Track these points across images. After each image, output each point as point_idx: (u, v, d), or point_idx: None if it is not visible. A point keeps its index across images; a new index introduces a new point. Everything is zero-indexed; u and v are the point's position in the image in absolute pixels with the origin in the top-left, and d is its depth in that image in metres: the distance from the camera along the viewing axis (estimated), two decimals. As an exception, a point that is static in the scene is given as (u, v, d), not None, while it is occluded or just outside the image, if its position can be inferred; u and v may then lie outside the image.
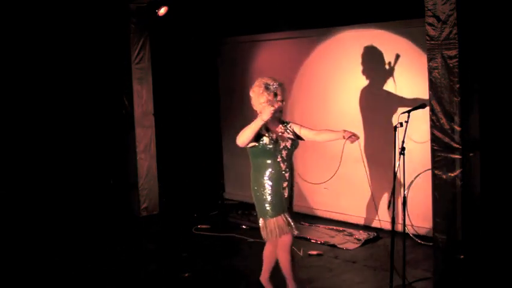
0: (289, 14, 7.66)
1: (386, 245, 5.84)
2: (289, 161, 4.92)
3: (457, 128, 4.77)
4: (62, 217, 7.81)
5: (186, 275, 5.82)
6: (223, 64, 8.91)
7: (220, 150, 9.08)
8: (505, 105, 5.06)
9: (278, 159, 4.86)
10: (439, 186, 4.97)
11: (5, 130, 7.73)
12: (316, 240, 6.71)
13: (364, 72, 7.04)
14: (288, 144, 4.91)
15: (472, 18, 4.83)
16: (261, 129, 4.74)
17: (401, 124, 4.75)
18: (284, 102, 4.90)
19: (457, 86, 4.75)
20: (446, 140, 4.83)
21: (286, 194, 4.90)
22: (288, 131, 4.98)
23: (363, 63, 7.05)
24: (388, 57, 6.84)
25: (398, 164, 4.64)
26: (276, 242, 4.95)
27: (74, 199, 8.13)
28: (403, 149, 4.67)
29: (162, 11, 7.73)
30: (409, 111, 4.79)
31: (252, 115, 4.89)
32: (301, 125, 5.05)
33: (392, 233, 4.74)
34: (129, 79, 7.92)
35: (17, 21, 7.63)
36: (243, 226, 7.50)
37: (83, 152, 8.31)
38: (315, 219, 7.53)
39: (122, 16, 7.86)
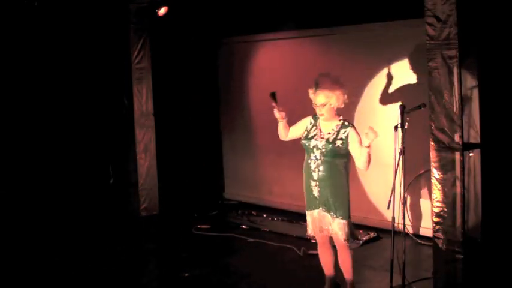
0: (288, 14, 7.65)
1: (386, 245, 5.83)
2: (324, 163, 4.68)
3: (457, 128, 4.76)
4: (62, 217, 7.80)
5: (186, 275, 5.82)
6: (222, 64, 8.90)
7: (220, 150, 9.08)
8: (505, 105, 5.06)
9: (311, 157, 4.74)
10: (438, 186, 4.97)
11: (5, 131, 7.73)
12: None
13: (363, 72, 7.04)
14: (321, 144, 4.68)
15: (472, 18, 4.83)
16: (310, 122, 4.83)
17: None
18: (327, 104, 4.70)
19: (457, 86, 4.75)
20: (446, 140, 4.83)
21: (316, 194, 4.76)
22: (337, 131, 4.72)
23: (363, 62, 7.06)
24: (388, 57, 6.84)
25: (398, 164, 4.63)
26: (323, 241, 5.07)
27: (74, 199, 8.12)
28: (403, 149, 4.67)
29: (162, 11, 7.72)
30: (408, 111, 4.79)
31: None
32: (360, 140, 4.69)
33: (393, 233, 4.73)
34: (129, 79, 7.92)
35: (17, 20, 7.63)
36: (243, 226, 7.50)
37: (83, 152, 8.30)
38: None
39: (121, 16, 7.85)
